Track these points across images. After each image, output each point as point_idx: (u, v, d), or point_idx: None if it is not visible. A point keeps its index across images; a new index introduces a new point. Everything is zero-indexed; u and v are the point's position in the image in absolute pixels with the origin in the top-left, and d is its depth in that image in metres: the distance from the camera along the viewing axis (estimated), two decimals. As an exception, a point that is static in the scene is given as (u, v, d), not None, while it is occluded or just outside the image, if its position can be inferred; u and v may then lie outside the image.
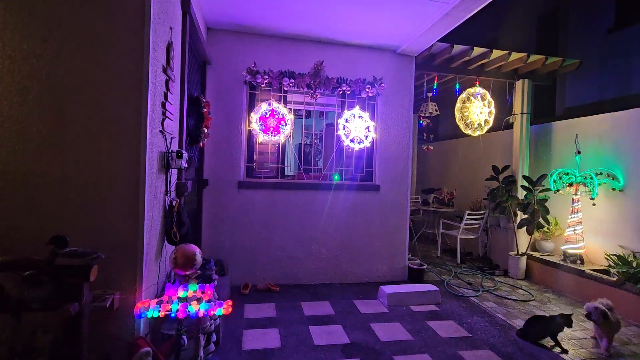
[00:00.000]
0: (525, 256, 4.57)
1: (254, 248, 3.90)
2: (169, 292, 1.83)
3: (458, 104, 4.48)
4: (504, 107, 5.08)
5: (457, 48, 4.27)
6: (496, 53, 4.37)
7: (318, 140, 5.24)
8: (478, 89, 4.42)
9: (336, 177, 4.12)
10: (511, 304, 3.69)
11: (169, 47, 2.17)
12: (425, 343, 2.76)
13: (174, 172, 2.39)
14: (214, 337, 2.39)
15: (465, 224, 5.11)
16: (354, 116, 4.04)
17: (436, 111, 5.70)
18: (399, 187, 4.27)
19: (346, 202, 4.11)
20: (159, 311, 1.76)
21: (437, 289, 3.68)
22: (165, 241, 2.23)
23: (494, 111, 4.55)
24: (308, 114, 4.72)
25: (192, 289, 1.92)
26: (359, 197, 4.15)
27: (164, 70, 2.10)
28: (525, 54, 4.45)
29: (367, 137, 4.07)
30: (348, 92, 4.09)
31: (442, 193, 6.49)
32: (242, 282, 3.81)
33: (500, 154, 5.39)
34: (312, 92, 3.94)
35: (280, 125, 3.83)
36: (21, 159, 1.66)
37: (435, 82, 4.89)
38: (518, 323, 3.16)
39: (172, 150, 2.20)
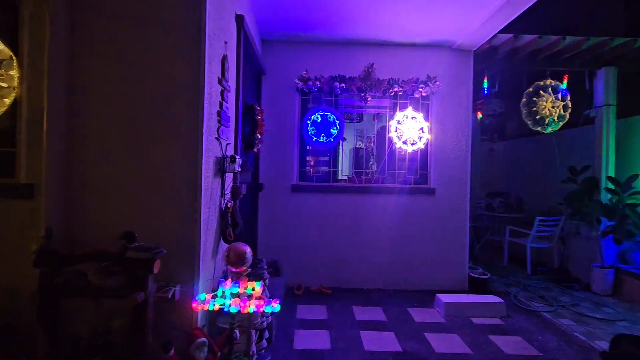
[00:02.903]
0: (613, 269, 3.97)
1: (307, 250, 3.98)
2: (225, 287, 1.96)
3: (525, 99, 4.09)
4: (582, 100, 4.50)
5: (523, 38, 3.91)
6: (570, 39, 3.90)
7: (373, 144, 5.19)
8: (549, 82, 3.99)
9: (388, 180, 4.03)
10: (594, 322, 3.23)
11: (223, 60, 2.35)
12: (486, 358, 2.54)
13: (229, 176, 2.56)
14: (266, 334, 2.47)
15: (537, 231, 4.61)
16: (407, 117, 3.93)
17: (500, 108, 5.28)
18: (457, 190, 4.03)
19: (399, 205, 3.99)
20: (213, 305, 1.89)
21: (502, 301, 3.38)
22: (221, 240, 2.39)
23: (570, 105, 4.06)
24: (361, 117, 4.71)
25: (257, 285, 2.03)
26: (412, 200, 4.00)
27: (219, 82, 2.27)
28: (607, 37, 3.90)
29: (420, 138, 3.92)
30: (400, 93, 3.99)
31: (510, 197, 5.95)
32: (295, 283, 3.91)
33: (579, 153, 4.77)
34: (362, 95, 3.93)
35: (331, 130, 3.88)
36: (101, 164, 1.92)
37: (485, 80, 4.51)
38: (602, 345, 2.76)
39: (226, 156, 2.36)
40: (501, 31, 3.63)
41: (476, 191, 6.54)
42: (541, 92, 4.00)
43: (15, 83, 1.83)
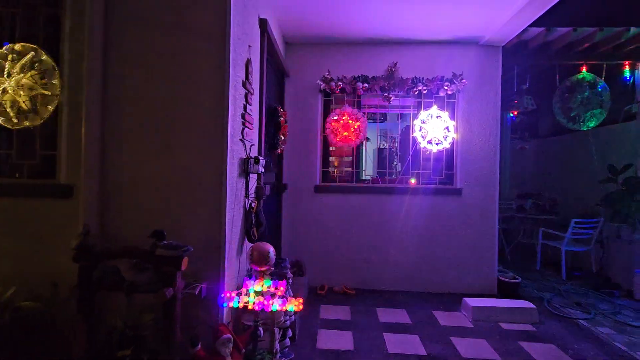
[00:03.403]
0: (659, 275, 3.70)
1: (330, 251, 3.98)
2: (245, 285, 2.01)
3: (558, 95, 3.90)
4: (623, 95, 4.23)
5: (555, 31, 3.73)
6: (608, 31, 3.68)
7: (397, 144, 5.12)
8: (583, 76, 3.78)
9: (412, 180, 3.97)
10: (636, 332, 3.02)
11: (247, 64, 2.40)
12: (516, 366, 2.44)
13: (253, 177, 2.62)
14: (289, 333, 2.50)
15: (573, 234, 4.37)
16: (431, 116, 3.84)
17: (532, 105, 5.05)
18: (485, 190, 3.89)
19: (424, 206, 3.91)
20: (238, 302, 1.94)
21: (534, 306, 3.23)
22: (245, 239, 2.44)
23: (609, 100, 3.82)
24: (384, 117, 4.66)
25: (267, 284, 2.06)
26: (438, 201, 3.91)
27: (244, 85, 2.33)
28: (651, 27, 3.65)
29: (446, 137, 3.82)
30: (424, 92, 3.92)
31: (542, 198, 5.68)
32: (319, 283, 3.92)
33: (618, 151, 4.48)
34: (385, 94, 3.89)
35: (353, 130, 3.87)
36: (133, 166, 2.03)
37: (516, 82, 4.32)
38: (646, 357, 2.58)
39: (250, 157, 2.41)
40: (532, 25, 3.47)
41: (506, 192, 6.30)
42: (576, 87, 3.80)
43: (57, 91, 1.96)
